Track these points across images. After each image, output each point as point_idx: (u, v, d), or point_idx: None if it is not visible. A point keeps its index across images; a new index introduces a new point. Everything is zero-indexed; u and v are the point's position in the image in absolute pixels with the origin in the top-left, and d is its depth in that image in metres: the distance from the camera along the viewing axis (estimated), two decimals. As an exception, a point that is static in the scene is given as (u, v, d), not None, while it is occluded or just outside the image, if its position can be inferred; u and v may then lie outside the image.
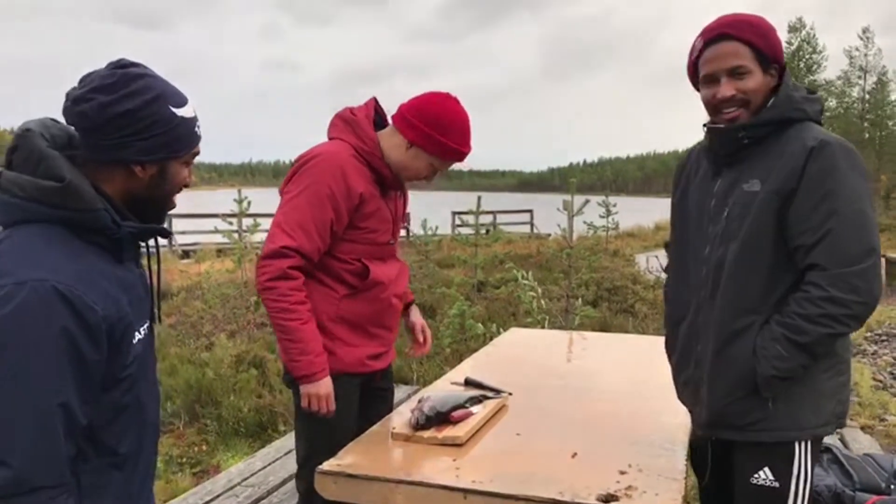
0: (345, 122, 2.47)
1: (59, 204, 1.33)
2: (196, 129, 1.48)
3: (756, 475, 1.99)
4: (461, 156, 2.47)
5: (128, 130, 1.37)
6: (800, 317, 1.87)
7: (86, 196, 1.34)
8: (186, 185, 1.52)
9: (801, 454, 1.96)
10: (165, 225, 1.64)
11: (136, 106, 1.37)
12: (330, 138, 2.48)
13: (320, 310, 2.42)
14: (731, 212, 1.99)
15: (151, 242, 1.59)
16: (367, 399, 2.60)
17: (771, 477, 1.97)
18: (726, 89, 1.97)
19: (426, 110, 2.41)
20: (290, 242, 2.31)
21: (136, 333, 1.44)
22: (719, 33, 1.98)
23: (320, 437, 2.37)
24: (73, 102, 1.37)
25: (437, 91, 2.48)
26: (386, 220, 2.50)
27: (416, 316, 2.85)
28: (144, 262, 1.61)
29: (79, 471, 1.38)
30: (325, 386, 2.36)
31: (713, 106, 2.02)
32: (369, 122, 2.47)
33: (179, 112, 1.42)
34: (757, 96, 1.97)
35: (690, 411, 2.22)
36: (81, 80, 1.40)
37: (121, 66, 1.40)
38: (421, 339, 2.82)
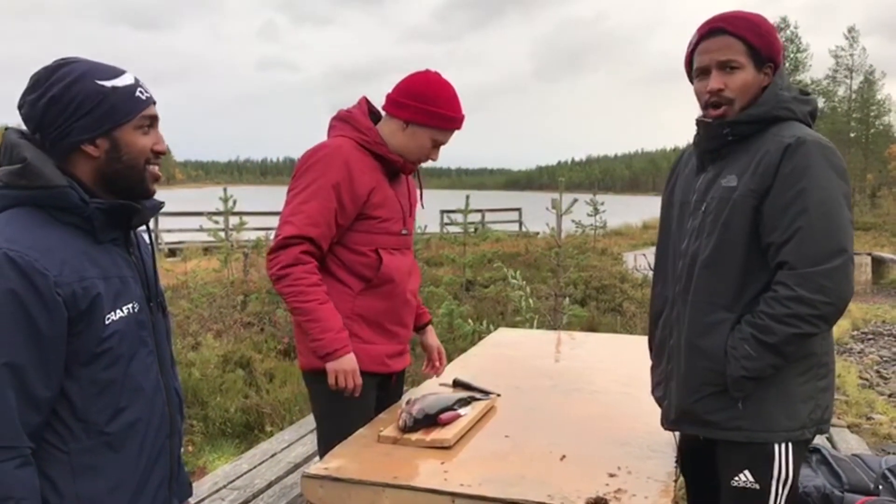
0: (342, 121, 2.52)
1: (25, 185, 1.40)
2: (137, 93, 1.47)
3: (736, 478, 1.97)
4: (456, 122, 2.51)
5: (62, 116, 1.42)
6: (768, 316, 1.86)
7: (46, 174, 1.40)
8: (160, 153, 1.51)
9: (782, 456, 1.93)
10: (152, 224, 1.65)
11: (59, 92, 1.41)
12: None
13: (337, 308, 2.43)
14: (709, 207, 1.99)
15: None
16: (383, 403, 2.60)
17: (752, 479, 1.95)
18: (715, 82, 1.97)
19: (412, 88, 2.46)
20: (297, 231, 2.34)
21: (117, 311, 1.46)
22: (715, 27, 1.98)
23: (338, 440, 2.30)
24: (18, 111, 1.45)
25: (417, 70, 2.52)
26: (396, 209, 2.54)
27: (432, 338, 2.88)
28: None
29: (69, 450, 1.42)
30: (350, 362, 2.37)
31: (703, 98, 2.02)
32: (365, 116, 2.51)
33: (109, 83, 1.45)
34: (744, 94, 1.96)
35: (661, 406, 2.21)
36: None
37: (48, 64, 1.46)
38: (437, 363, 2.85)
